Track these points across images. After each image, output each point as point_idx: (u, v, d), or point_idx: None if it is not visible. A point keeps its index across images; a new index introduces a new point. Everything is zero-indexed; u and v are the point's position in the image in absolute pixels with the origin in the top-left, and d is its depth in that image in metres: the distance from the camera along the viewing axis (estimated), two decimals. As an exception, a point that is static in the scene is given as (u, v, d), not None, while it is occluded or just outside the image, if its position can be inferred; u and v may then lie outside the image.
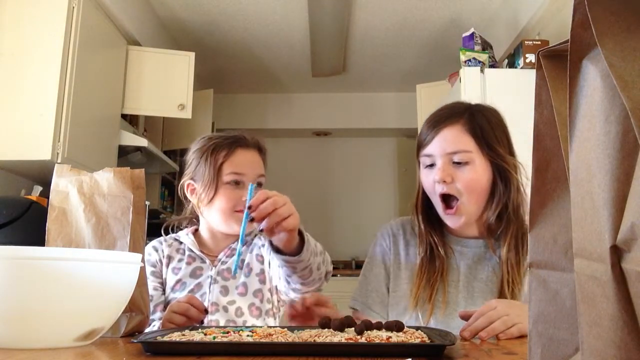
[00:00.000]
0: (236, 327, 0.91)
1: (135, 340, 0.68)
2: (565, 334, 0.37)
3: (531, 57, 2.63)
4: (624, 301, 0.28)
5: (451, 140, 1.13)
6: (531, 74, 2.53)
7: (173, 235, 1.35)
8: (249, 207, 0.94)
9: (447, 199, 1.15)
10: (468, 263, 1.19)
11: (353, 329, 0.76)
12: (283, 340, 0.70)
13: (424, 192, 1.21)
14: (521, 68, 2.68)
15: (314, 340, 0.70)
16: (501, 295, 1.11)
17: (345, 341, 0.69)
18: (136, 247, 0.87)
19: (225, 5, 3.43)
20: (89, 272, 0.68)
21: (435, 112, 1.21)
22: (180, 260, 1.28)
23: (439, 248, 1.19)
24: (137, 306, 0.86)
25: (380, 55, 4.17)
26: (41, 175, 2.53)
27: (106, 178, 0.89)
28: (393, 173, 5.14)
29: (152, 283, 1.26)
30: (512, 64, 2.80)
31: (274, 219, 0.93)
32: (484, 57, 2.80)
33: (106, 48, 2.86)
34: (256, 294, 1.24)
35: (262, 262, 1.28)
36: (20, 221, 1.58)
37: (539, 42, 2.66)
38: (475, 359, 0.67)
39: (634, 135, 0.28)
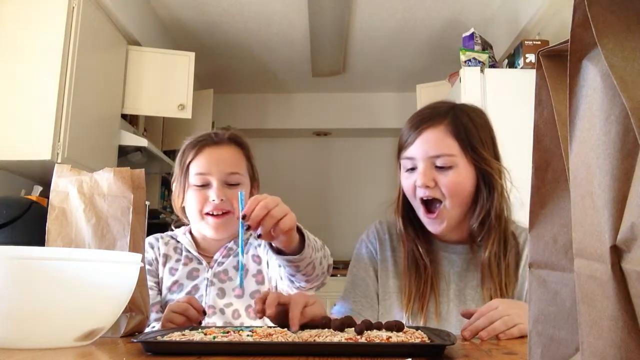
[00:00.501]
0: (236, 327, 0.90)
1: (135, 340, 0.68)
2: (565, 334, 0.37)
3: (531, 57, 2.63)
4: (624, 301, 0.28)
5: (434, 142, 1.08)
6: (531, 74, 2.53)
7: (170, 232, 1.33)
8: (243, 217, 0.91)
9: (429, 203, 1.11)
10: (457, 270, 1.16)
11: (353, 329, 0.76)
12: (283, 340, 0.70)
13: (405, 196, 1.16)
14: (521, 68, 2.68)
15: (314, 340, 0.70)
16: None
17: (345, 341, 0.69)
18: (136, 247, 0.87)
19: (225, 5, 3.43)
20: (89, 272, 0.68)
21: (417, 112, 1.16)
22: (177, 261, 1.25)
23: (424, 256, 1.15)
24: (137, 306, 0.86)
25: (380, 55, 4.17)
26: (41, 175, 2.53)
27: (106, 178, 0.89)
28: (393, 173, 5.13)
29: (148, 283, 1.23)
30: (512, 64, 2.80)
31: (269, 223, 0.89)
32: (484, 57, 2.81)
33: (106, 48, 2.86)
34: (253, 295, 1.21)
35: (259, 263, 1.25)
36: (20, 221, 1.58)
37: (539, 42, 2.66)
38: (475, 359, 0.67)
39: (634, 135, 0.28)
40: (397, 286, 1.18)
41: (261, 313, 0.94)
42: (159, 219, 3.77)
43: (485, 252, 1.11)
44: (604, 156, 0.30)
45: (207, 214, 1.19)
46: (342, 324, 0.77)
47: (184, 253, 1.26)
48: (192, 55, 3.26)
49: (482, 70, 2.66)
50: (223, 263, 1.24)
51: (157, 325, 1.09)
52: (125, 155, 3.16)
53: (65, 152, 2.38)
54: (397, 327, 0.77)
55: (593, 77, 0.31)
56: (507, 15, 3.30)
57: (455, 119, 1.10)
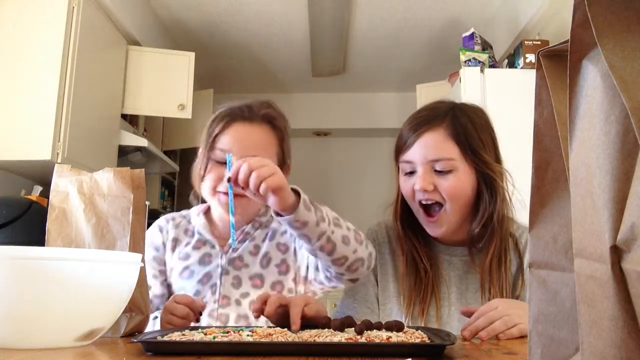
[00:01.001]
0: (236, 327, 0.90)
1: (135, 340, 0.68)
2: (565, 334, 0.37)
3: (531, 57, 2.63)
4: (624, 301, 0.28)
5: (433, 146, 1.06)
6: (531, 74, 2.53)
7: (183, 212, 1.25)
8: (229, 180, 0.91)
9: (428, 207, 1.10)
10: (458, 273, 1.15)
11: (353, 329, 0.76)
12: (283, 340, 0.70)
13: (403, 199, 1.14)
14: (521, 68, 2.68)
15: (314, 340, 0.70)
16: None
17: (345, 341, 0.69)
18: (136, 247, 0.87)
19: (225, 5, 3.43)
20: (89, 272, 0.68)
21: (416, 113, 1.13)
22: (187, 244, 1.18)
23: (424, 260, 1.13)
24: (137, 306, 0.86)
25: (380, 55, 4.17)
26: (41, 175, 2.53)
27: (106, 178, 0.89)
28: (393, 173, 5.13)
29: (151, 270, 1.17)
30: (512, 64, 2.80)
31: (255, 182, 0.88)
32: (484, 57, 2.81)
33: (106, 48, 2.86)
34: (274, 286, 1.14)
35: (284, 252, 1.17)
36: (20, 221, 1.58)
37: (539, 42, 2.66)
38: (475, 359, 0.67)
39: (634, 135, 0.28)
40: (397, 290, 1.16)
41: (258, 312, 0.93)
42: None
43: (487, 256, 1.10)
44: (604, 156, 0.30)
45: (220, 192, 1.11)
46: (342, 324, 0.77)
47: (196, 236, 1.19)
48: (192, 55, 3.26)
49: (482, 70, 2.66)
50: (238, 249, 1.16)
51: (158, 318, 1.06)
52: (125, 155, 3.16)
53: (65, 152, 2.38)
54: (397, 327, 0.77)
55: (593, 77, 0.31)
56: (507, 15, 3.30)
57: (454, 120, 1.08)
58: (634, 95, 0.27)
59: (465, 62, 2.77)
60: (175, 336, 0.72)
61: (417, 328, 0.81)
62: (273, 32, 3.78)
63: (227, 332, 0.75)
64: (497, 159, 1.12)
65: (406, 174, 1.11)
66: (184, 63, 3.23)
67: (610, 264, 0.29)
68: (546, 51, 0.37)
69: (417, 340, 0.70)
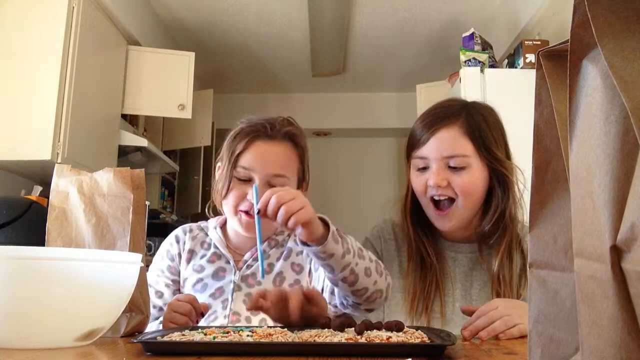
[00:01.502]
0: (236, 327, 0.90)
1: (135, 340, 0.68)
2: (565, 334, 0.37)
3: (531, 57, 2.64)
4: (624, 301, 0.28)
5: (448, 143, 1.07)
6: (531, 74, 2.53)
7: (202, 224, 1.25)
8: (258, 212, 0.90)
9: (438, 202, 1.10)
10: (463, 270, 1.15)
11: (353, 329, 0.76)
12: (283, 340, 0.70)
13: (413, 195, 1.15)
14: (521, 68, 2.68)
15: (314, 340, 0.70)
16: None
17: (345, 341, 0.69)
18: (136, 247, 0.87)
19: (225, 5, 3.43)
20: (89, 272, 0.68)
21: (429, 111, 1.14)
22: (202, 257, 1.18)
23: (431, 255, 1.14)
24: (137, 306, 0.86)
25: (380, 55, 4.18)
26: (41, 175, 2.53)
27: (106, 178, 0.89)
28: (393, 173, 5.14)
29: (164, 279, 1.17)
30: (512, 64, 2.80)
31: (284, 217, 0.87)
32: (484, 57, 2.81)
33: (106, 48, 2.86)
34: None
35: (298, 272, 1.16)
36: (20, 221, 1.58)
37: (539, 42, 2.66)
38: (475, 359, 0.67)
39: (634, 135, 0.28)
40: (402, 286, 1.17)
41: (254, 306, 0.92)
42: (159, 219, 3.77)
43: (499, 253, 1.10)
44: (604, 156, 0.30)
45: (242, 211, 1.11)
46: (342, 324, 0.77)
47: (212, 249, 1.18)
48: (192, 55, 3.26)
49: (482, 70, 2.66)
50: (252, 266, 1.16)
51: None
52: (125, 155, 3.16)
53: (65, 152, 2.38)
54: (397, 327, 0.77)
55: (593, 77, 0.31)
56: (507, 15, 3.30)
57: (469, 118, 1.09)
58: (634, 95, 0.27)
59: (465, 62, 2.77)
60: (175, 336, 0.72)
61: (417, 328, 0.81)
62: (273, 32, 3.78)
63: (227, 332, 0.75)
64: (508, 157, 1.13)
65: (419, 169, 1.12)
66: (184, 63, 3.23)
67: (610, 264, 0.29)
68: (546, 51, 0.37)
69: (417, 341, 0.70)
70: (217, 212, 1.24)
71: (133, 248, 0.86)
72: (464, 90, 2.63)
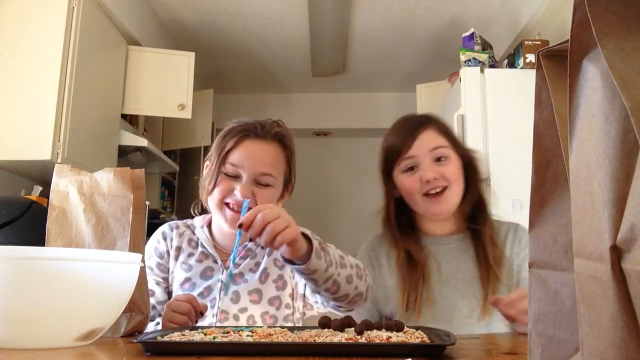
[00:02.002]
0: (236, 327, 0.90)
1: (135, 340, 0.68)
2: (565, 334, 0.37)
3: (531, 57, 2.64)
4: (624, 301, 0.28)
5: (432, 139, 1.23)
6: (531, 74, 2.53)
7: (188, 221, 1.26)
8: (240, 225, 0.90)
9: (430, 196, 1.22)
10: (447, 259, 1.25)
11: (353, 329, 0.76)
12: (283, 340, 0.70)
13: (394, 203, 1.27)
14: (521, 68, 2.68)
15: (314, 340, 0.70)
16: (482, 280, 1.19)
17: (345, 341, 0.69)
18: (136, 247, 0.87)
19: (225, 5, 3.43)
20: (89, 272, 0.68)
21: (402, 122, 1.29)
22: (190, 255, 1.19)
23: (417, 251, 1.24)
24: (137, 306, 0.86)
25: (380, 55, 4.18)
26: (41, 175, 2.53)
27: (106, 178, 0.89)
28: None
29: (154, 277, 1.18)
30: (512, 64, 2.80)
31: (269, 235, 0.88)
32: (484, 57, 2.81)
33: (106, 48, 2.86)
34: (272, 301, 1.16)
35: (280, 267, 1.19)
36: (20, 221, 1.58)
37: (539, 42, 2.66)
38: (475, 359, 0.67)
39: (634, 135, 0.28)
40: (394, 284, 1.25)
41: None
42: (159, 219, 3.77)
43: (486, 227, 1.23)
44: (604, 156, 0.30)
45: (227, 204, 1.13)
46: (342, 324, 0.77)
47: (200, 249, 1.20)
48: (192, 55, 3.26)
49: (482, 70, 2.66)
50: (239, 265, 1.18)
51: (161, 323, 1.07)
52: (125, 155, 3.16)
53: (65, 152, 2.38)
54: (397, 327, 0.77)
55: (593, 77, 0.31)
56: (507, 15, 3.30)
57: (437, 123, 1.27)
58: (634, 95, 0.27)
59: (465, 62, 2.77)
60: (175, 336, 0.72)
61: (417, 328, 0.81)
62: (273, 32, 3.78)
63: (227, 333, 0.75)
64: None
65: (407, 170, 1.24)
66: (184, 63, 3.23)
67: (610, 264, 0.29)
68: (546, 51, 0.37)
69: (417, 341, 0.70)
70: (202, 212, 1.27)
71: (133, 248, 0.87)
72: (464, 90, 2.63)
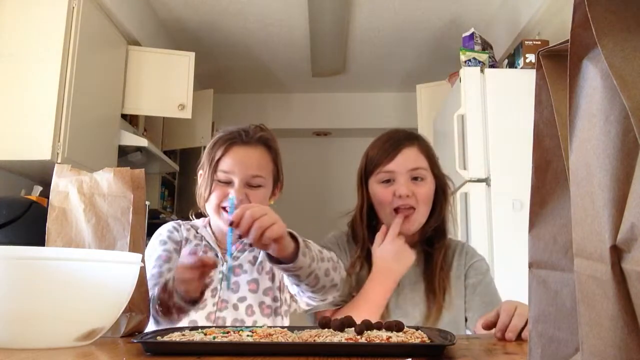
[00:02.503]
0: (236, 327, 0.90)
1: (135, 340, 0.68)
2: (565, 334, 0.37)
3: (531, 57, 2.63)
4: (624, 301, 0.28)
5: (412, 158, 1.28)
6: (531, 74, 2.53)
7: (190, 222, 1.33)
8: (231, 223, 0.94)
9: (398, 210, 1.27)
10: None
11: (353, 329, 0.76)
12: (283, 340, 0.70)
13: (368, 207, 1.33)
14: (521, 68, 2.68)
15: (314, 340, 0.70)
16: (428, 301, 1.25)
17: (345, 341, 0.69)
18: (136, 247, 0.87)
19: (225, 5, 3.43)
20: (89, 272, 0.68)
21: (389, 135, 1.33)
22: (196, 246, 1.26)
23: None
24: (137, 306, 0.86)
25: (380, 55, 4.17)
26: (41, 175, 2.53)
27: (106, 178, 0.89)
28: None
29: (169, 264, 1.21)
30: (512, 64, 2.80)
31: (257, 232, 0.92)
32: (484, 57, 2.81)
33: (106, 48, 2.86)
34: (267, 292, 1.23)
35: None
36: (20, 221, 1.58)
37: (539, 42, 2.66)
38: (475, 359, 0.67)
39: (634, 135, 0.28)
40: (357, 284, 1.30)
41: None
42: (159, 219, 3.76)
43: (440, 253, 1.30)
44: (604, 156, 0.30)
45: (224, 208, 1.20)
46: (342, 324, 0.77)
47: (204, 242, 1.28)
48: (192, 55, 3.26)
49: (482, 70, 2.66)
50: (238, 257, 1.26)
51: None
52: (125, 155, 3.16)
53: (65, 152, 2.38)
54: (397, 327, 0.77)
55: (593, 77, 0.31)
56: (507, 15, 3.30)
57: (421, 142, 1.33)
58: (634, 95, 0.27)
59: (465, 62, 2.77)
60: (175, 336, 0.72)
61: (417, 328, 0.81)
62: (273, 32, 3.78)
63: (227, 333, 0.75)
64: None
65: (383, 182, 1.29)
66: (184, 63, 3.23)
67: (610, 264, 0.29)
68: (546, 51, 0.37)
69: (417, 341, 0.70)
70: (200, 217, 1.35)
71: (133, 248, 0.87)
72: (464, 90, 2.63)
